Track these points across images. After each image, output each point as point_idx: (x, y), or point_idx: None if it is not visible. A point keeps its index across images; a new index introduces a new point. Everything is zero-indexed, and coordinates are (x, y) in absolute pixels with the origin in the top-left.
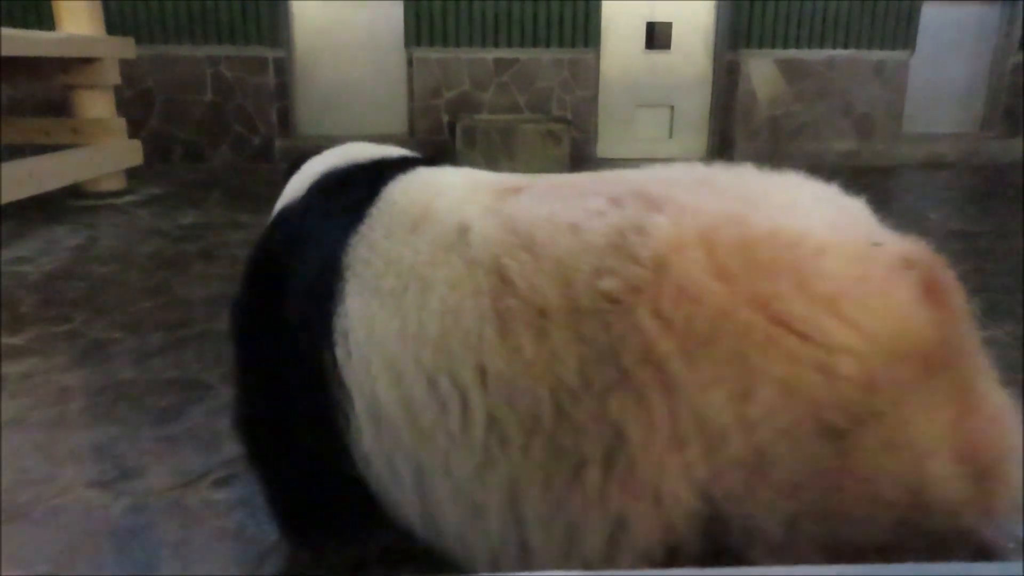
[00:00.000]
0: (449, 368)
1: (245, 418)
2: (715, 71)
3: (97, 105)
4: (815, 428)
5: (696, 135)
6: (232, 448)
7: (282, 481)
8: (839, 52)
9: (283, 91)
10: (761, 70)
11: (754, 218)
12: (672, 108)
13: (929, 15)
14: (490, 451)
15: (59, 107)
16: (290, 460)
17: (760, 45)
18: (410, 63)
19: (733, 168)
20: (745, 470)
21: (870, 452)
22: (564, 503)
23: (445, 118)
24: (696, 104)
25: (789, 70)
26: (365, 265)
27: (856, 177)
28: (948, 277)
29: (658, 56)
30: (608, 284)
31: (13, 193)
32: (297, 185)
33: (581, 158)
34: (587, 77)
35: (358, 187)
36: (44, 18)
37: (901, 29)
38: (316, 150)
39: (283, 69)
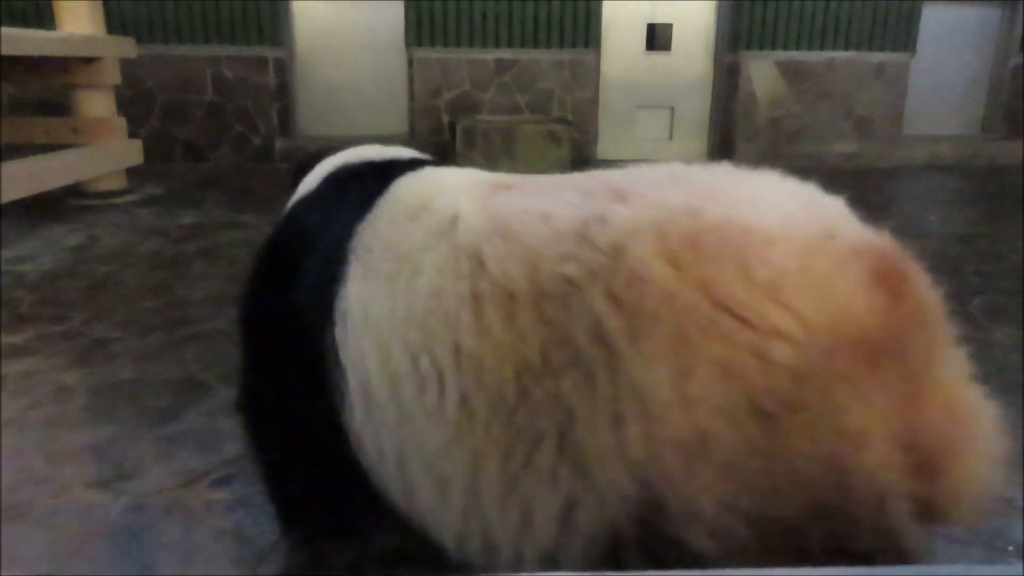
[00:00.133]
0: (430, 347)
1: (248, 399)
2: (715, 72)
3: (97, 105)
4: (749, 409)
5: (696, 136)
6: (231, 448)
7: (282, 464)
8: (839, 54)
9: (283, 91)
10: (761, 72)
11: (709, 210)
12: (672, 109)
13: (930, 17)
14: (460, 427)
15: (59, 106)
16: (290, 441)
17: (761, 47)
18: (411, 63)
19: (712, 167)
20: (683, 450)
21: (799, 436)
22: (519, 482)
23: (445, 118)
24: (696, 105)
25: (790, 72)
26: (367, 250)
27: (856, 179)
28: (910, 271)
29: (658, 57)
30: (569, 269)
31: (13, 193)
32: (311, 180)
33: (581, 159)
34: (588, 78)
35: (369, 182)
36: (45, 17)
37: (902, 31)
38: (321, 150)
39: (284, 69)
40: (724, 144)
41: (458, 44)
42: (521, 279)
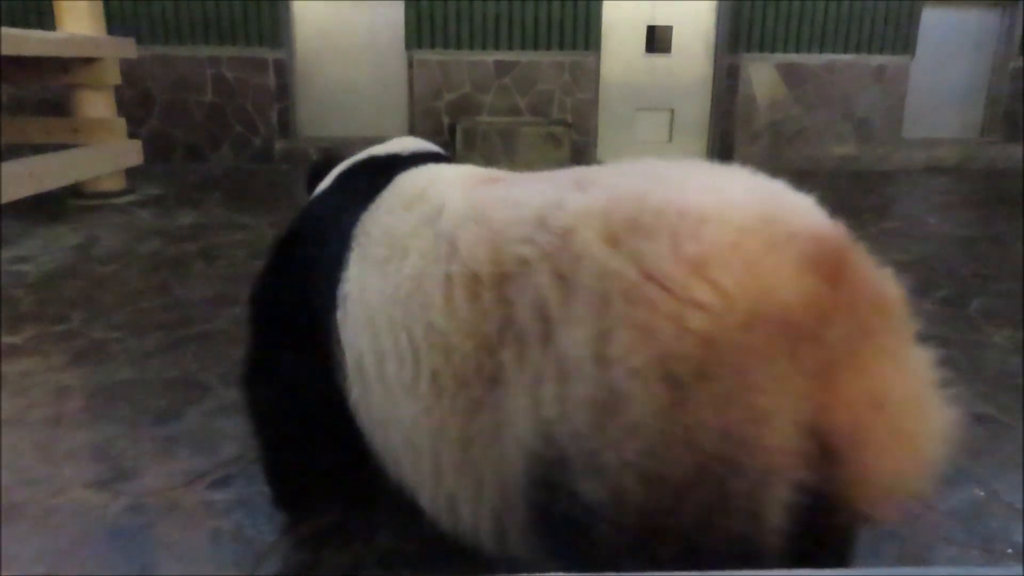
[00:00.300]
0: (409, 326)
1: (255, 373)
2: (715, 75)
3: (97, 105)
4: (662, 373)
5: (696, 138)
6: (231, 448)
7: (284, 438)
8: (839, 56)
9: (284, 92)
10: (761, 74)
11: (655, 194)
12: (672, 111)
13: (929, 19)
14: (429, 401)
15: (59, 107)
16: (294, 416)
17: (760, 49)
18: (411, 65)
19: (689, 163)
20: (594, 407)
21: (704, 404)
22: (470, 450)
23: (446, 120)
24: (696, 107)
25: (789, 74)
26: (367, 237)
27: (856, 181)
28: (852, 261)
29: (658, 59)
30: (525, 250)
31: (13, 193)
32: (329, 178)
33: (581, 161)
34: (587, 80)
35: (377, 175)
36: (45, 18)
37: (901, 33)
38: (332, 151)
39: (284, 70)
40: (724, 146)
41: (458, 46)
42: (485, 261)
